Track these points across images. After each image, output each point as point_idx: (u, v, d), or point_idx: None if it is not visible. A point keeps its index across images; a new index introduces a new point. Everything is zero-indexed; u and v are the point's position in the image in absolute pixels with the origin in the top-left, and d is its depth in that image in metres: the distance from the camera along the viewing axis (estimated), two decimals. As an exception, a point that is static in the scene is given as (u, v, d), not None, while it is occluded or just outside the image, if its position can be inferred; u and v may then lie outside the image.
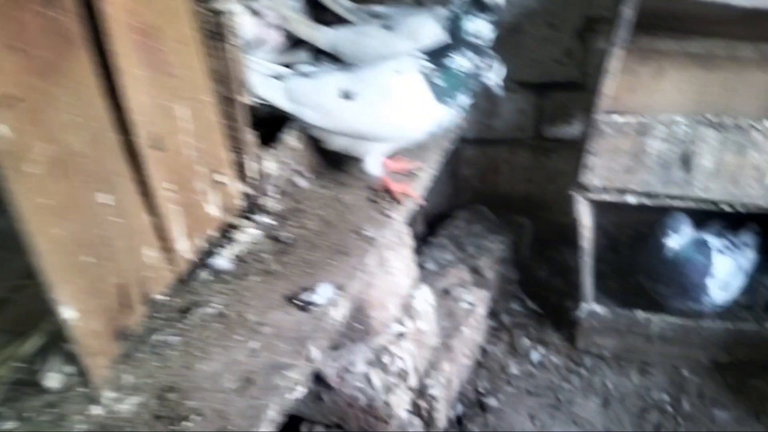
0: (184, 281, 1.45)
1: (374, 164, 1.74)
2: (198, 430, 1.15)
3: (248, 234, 1.57)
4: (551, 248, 2.83)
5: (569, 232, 2.65)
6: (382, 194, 1.76)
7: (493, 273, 2.59)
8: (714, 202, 2.02)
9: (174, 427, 1.16)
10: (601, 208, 2.67)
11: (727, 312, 2.39)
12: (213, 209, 1.48)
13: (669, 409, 2.19)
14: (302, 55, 2.04)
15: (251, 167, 1.57)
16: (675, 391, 2.25)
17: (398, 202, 1.74)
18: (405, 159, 1.92)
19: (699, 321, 2.24)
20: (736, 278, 2.21)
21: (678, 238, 2.02)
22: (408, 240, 1.93)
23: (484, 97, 2.71)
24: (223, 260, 1.50)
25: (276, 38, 1.89)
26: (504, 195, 2.90)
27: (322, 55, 1.99)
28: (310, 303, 1.38)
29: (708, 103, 2.33)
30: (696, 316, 2.31)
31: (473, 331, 2.28)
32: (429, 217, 3.00)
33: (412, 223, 3.02)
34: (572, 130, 2.68)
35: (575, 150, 2.29)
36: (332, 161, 1.88)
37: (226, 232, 1.56)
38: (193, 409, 1.19)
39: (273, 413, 1.18)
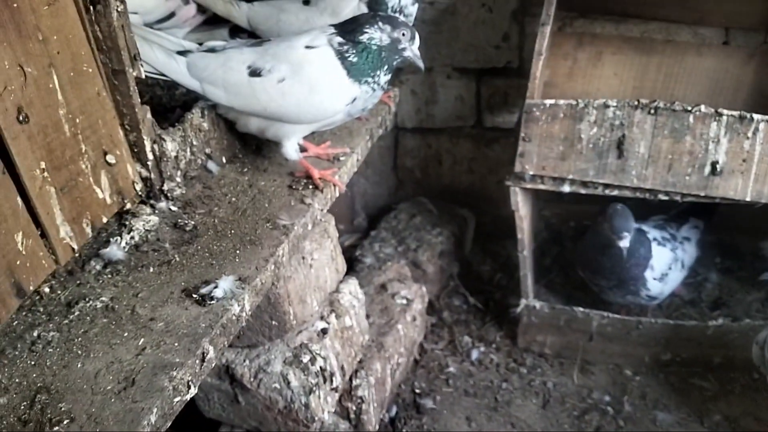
0: (73, 271, 1.32)
1: (291, 148, 1.63)
2: (66, 437, 1.01)
3: (147, 221, 1.43)
4: (495, 242, 2.75)
5: (513, 225, 2.57)
6: (302, 181, 1.65)
7: (434, 267, 2.50)
8: (650, 191, 1.93)
9: (40, 434, 1.02)
10: (543, 200, 2.60)
11: (671, 308, 2.33)
12: (104, 193, 1.34)
13: (610, 410, 2.10)
14: (222, 33, 1.92)
15: (149, 148, 1.43)
16: (616, 392, 2.16)
17: (319, 189, 1.62)
18: (330, 144, 1.81)
19: (639, 317, 2.16)
20: (674, 271, 2.14)
21: (630, 237, 1.93)
22: (332, 231, 1.80)
23: (422, 83, 2.64)
24: (116, 250, 1.36)
25: (188, 13, 1.76)
26: (446, 186, 2.81)
27: (241, 33, 1.86)
28: (208, 297, 1.25)
29: (647, 89, 2.28)
30: (637, 312, 2.24)
31: (410, 329, 2.16)
32: (371, 209, 2.90)
33: (353, 215, 2.94)
34: (513, 118, 2.60)
35: (516, 139, 2.20)
36: (252, 146, 1.76)
37: (122, 219, 1.42)
38: (66, 413, 1.05)
39: (154, 418, 1.05)
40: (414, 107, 2.68)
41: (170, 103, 1.79)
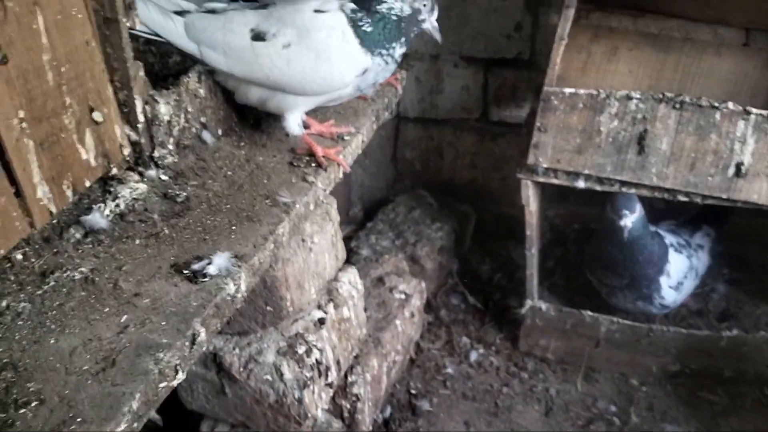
0: (49, 238, 1.18)
1: (294, 122, 1.51)
2: (32, 423, 0.87)
3: (135, 189, 1.30)
4: (495, 241, 2.64)
5: (515, 225, 2.47)
6: (304, 158, 1.53)
7: (433, 263, 2.38)
8: (670, 191, 1.83)
9: (3, 415, 0.89)
10: (548, 200, 2.49)
11: (677, 318, 2.23)
12: (89, 154, 1.20)
13: (616, 421, 1.99)
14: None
15: (140, 109, 1.29)
16: (622, 402, 2.05)
17: (322, 167, 1.50)
18: (334, 122, 1.69)
19: (650, 324, 2.05)
20: (688, 279, 2.04)
21: (632, 218, 1.82)
22: (334, 214, 1.68)
23: (427, 71, 2.53)
24: (99, 217, 1.23)
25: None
26: (447, 181, 2.69)
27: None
28: (201, 274, 1.12)
29: (663, 88, 2.17)
30: (646, 319, 2.13)
31: (408, 325, 2.04)
32: (367, 202, 2.77)
33: (348, 205, 2.81)
34: (521, 113, 2.49)
35: (523, 135, 2.09)
36: (249, 120, 1.64)
37: (108, 185, 1.28)
38: (34, 393, 0.92)
39: (136, 404, 0.92)
40: (417, 96, 2.57)
41: (162, 71, 1.65)
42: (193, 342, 1.03)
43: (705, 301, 2.30)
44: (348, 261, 2.08)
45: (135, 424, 0.92)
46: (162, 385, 0.97)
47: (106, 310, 1.06)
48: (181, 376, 1.01)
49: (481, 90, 2.51)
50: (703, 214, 2.18)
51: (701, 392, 2.07)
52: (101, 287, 1.10)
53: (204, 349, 1.09)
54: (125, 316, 1.04)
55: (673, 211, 2.14)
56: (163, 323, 1.03)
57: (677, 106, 1.74)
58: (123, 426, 0.89)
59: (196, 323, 1.04)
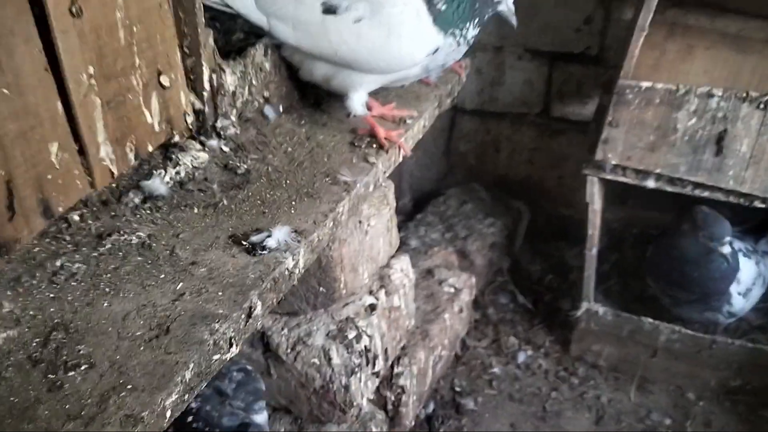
0: (108, 202, 1.15)
1: (358, 101, 1.47)
2: (81, 386, 0.84)
3: (196, 158, 1.27)
4: (547, 242, 2.56)
5: (569, 226, 2.39)
6: (366, 139, 1.48)
7: (483, 259, 2.31)
8: (746, 195, 1.73)
9: (53, 376, 0.85)
10: (606, 202, 2.41)
11: (737, 333, 2.12)
12: (153, 119, 1.18)
13: (670, 435, 1.90)
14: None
15: (207, 77, 1.26)
16: (678, 416, 1.96)
17: (383, 148, 1.45)
18: (395, 105, 1.64)
19: (713, 336, 1.95)
20: (757, 286, 1.94)
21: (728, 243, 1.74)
22: (391, 198, 1.63)
23: (489, 63, 2.46)
24: (159, 183, 1.20)
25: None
26: (502, 176, 2.62)
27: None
28: (260, 246, 1.09)
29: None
30: (710, 329, 2.03)
31: (456, 320, 1.98)
32: (417, 193, 2.72)
33: (398, 195, 2.76)
34: (584, 111, 2.41)
35: (585, 134, 2.01)
36: (310, 99, 1.60)
37: (169, 152, 1.25)
38: (85, 357, 0.89)
39: (189, 375, 0.88)
40: (477, 87, 2.50)
41: (225, 47, 1.63)
42: (249, 315, 0.99)
43: (767, 316, 2.19)
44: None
45: (186, 396, 0.88)
46: (216, 357, 0.93)
47: (162, 276, 1.03)
48: (235, 349, 0.97)
49: (544, 84, 2.44)
50: (766, 222, 2.07)
51: (762, 411, 1.96)
52: (158, 253, 1.07)
53: (258, 324, 1.05)
54: (181, 284, 1.01)
55: (736, 218, 2.04)
56: (220, 294, 0.99)
57: (762, 106, 1.65)
58: (174, 396, 0.85)
59: (253, 296, 1.00)
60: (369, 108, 1.56)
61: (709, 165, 1.72)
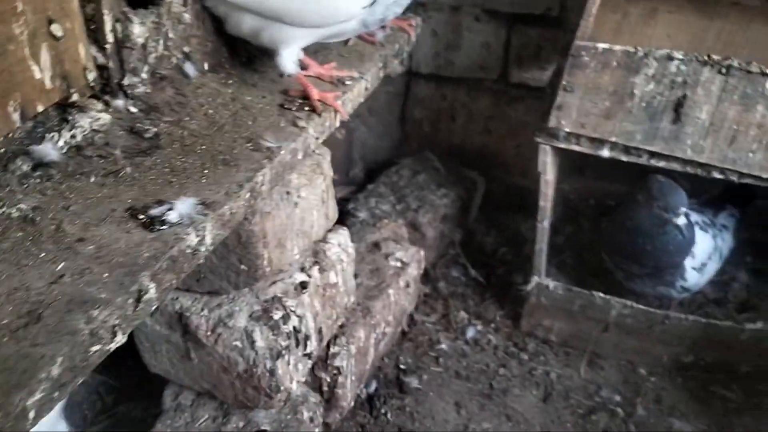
0: (-11, 170, 1.02)
1: (289, 58, 1.35)
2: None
3: (95, 119, 1.14)
4: (503, 213, 2.47)
5: (526, 197, 2.30)
6: (297, 101, 1.36)
7: (435, 231, 2.22)
8: (704, 166, 1.65)
9: None
10: (563, 172, 2.32)
11: (692, 306, 2.06)
12: (44, 73, 1.04)
13: (620, 412, 1.83)
14: None
15: (110, 27, 1.13)
16: (628, 392, 1.89)
17: (316, 111, 1.34)
18: (336, 65, 1.52)
19: (667, 311, 1.89)
20: (712, 261, 1.87)
21: (684, 213, 1.66)
22: (327, 168, 1.51)
23: (446, 24, 2.33)
24: (51, 148, 1.07)
25: None
26: (457, 145, 2.50)
27: None
28: (158, 220, 0.97)
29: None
30: (664, 304, 1.97)
31: (402, 295, 1.88)
32: (370, 163, 2.60)
33: (349, 166, 2.64)
34: (543, 77, 2.30)
35: (545, 98, 1.90)
36: (242, 57, 1.47)
37: (65, 112, 1.12)
38: (-62, 350, 0.76)
39: (57, 370, 0.76)
40: (432, 50, 2.37)
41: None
42: (138, 299, 0.87)
43: (724, 290, 2.13)
44: (343, 223, 1.93)
45: (55, 393, 0.77)
46: (94, 348, 0.82)
47: (42, 255, 0.90)
48: (120, 338, 0.86)
49: (503, 48, 2.31)
50: (726, 194, 2.00)
51: (714, 387, 1.91)
52: (41, 229, 0.95)
53: (154, 308, 0.93)
54: (62, 264, 0.89)
55: (695, 190, 1.96)
56: (105, 275, 0.87)
57: (723, 71, 1.55)
58: (38, 395, 0.74)
59: (144, 278, 0.88)
60: (304, 67, 1.44)
61: (666, 133, 1.63)
